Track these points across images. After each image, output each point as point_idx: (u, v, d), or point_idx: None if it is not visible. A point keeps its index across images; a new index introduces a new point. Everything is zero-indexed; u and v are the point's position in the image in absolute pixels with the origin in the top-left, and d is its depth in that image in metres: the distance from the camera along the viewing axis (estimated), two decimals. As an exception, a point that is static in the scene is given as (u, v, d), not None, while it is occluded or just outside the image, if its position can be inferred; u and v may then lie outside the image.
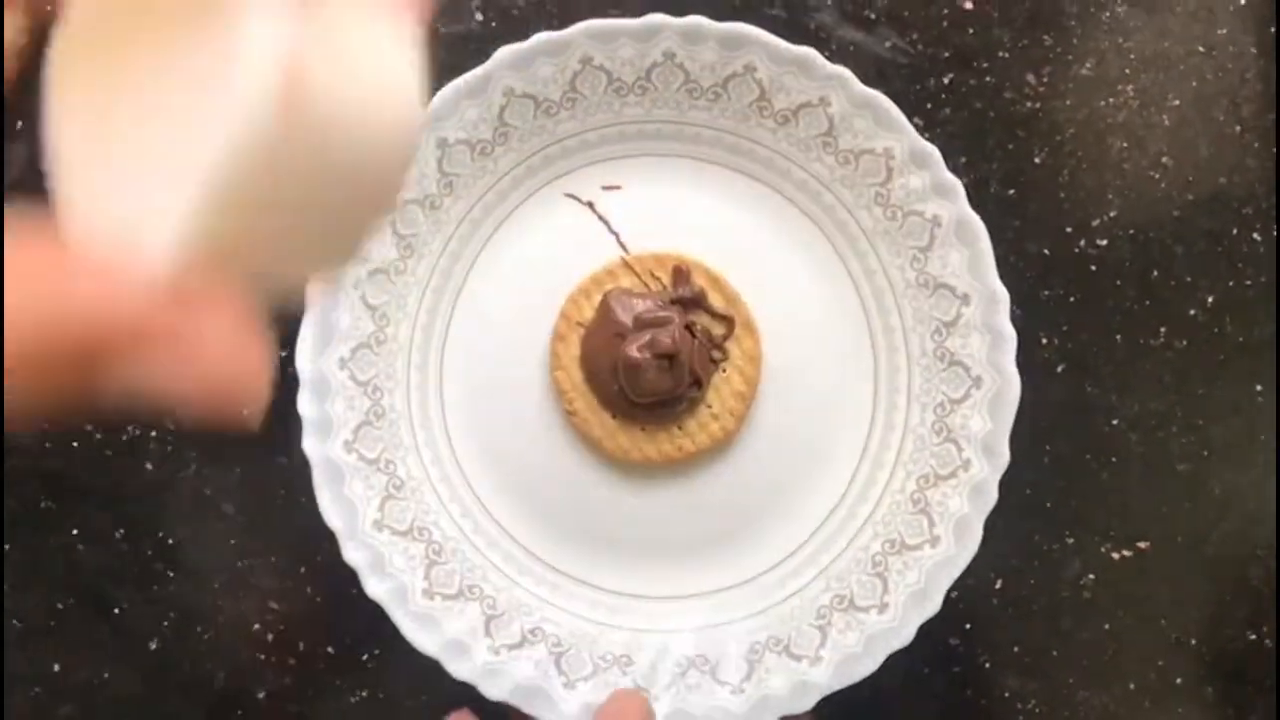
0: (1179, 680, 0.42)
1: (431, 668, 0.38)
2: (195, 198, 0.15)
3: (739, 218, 0.40)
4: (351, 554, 0.38)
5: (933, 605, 0.38)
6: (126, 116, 0.16)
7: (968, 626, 0.42)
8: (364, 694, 0.42)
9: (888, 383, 0.40)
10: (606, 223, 0.41)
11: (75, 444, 0.41)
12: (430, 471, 0.40)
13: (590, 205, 0.41)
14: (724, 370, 0.40)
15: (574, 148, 0.40)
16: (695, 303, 0.39)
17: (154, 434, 0.42)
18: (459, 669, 0.38)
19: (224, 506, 0.42)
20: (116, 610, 0.42)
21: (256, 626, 0.42)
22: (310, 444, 0.38)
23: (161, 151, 0.15)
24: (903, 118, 0.38)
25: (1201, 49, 0.42)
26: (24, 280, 0.15)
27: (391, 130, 0.17)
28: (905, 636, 0.38)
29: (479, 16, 0.42)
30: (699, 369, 0.38)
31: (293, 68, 0.15)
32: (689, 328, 0.39)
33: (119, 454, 0.42)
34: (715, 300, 0.40)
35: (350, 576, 0.38)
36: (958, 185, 0.38)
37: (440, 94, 0.38)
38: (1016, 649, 0.42)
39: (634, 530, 0.40)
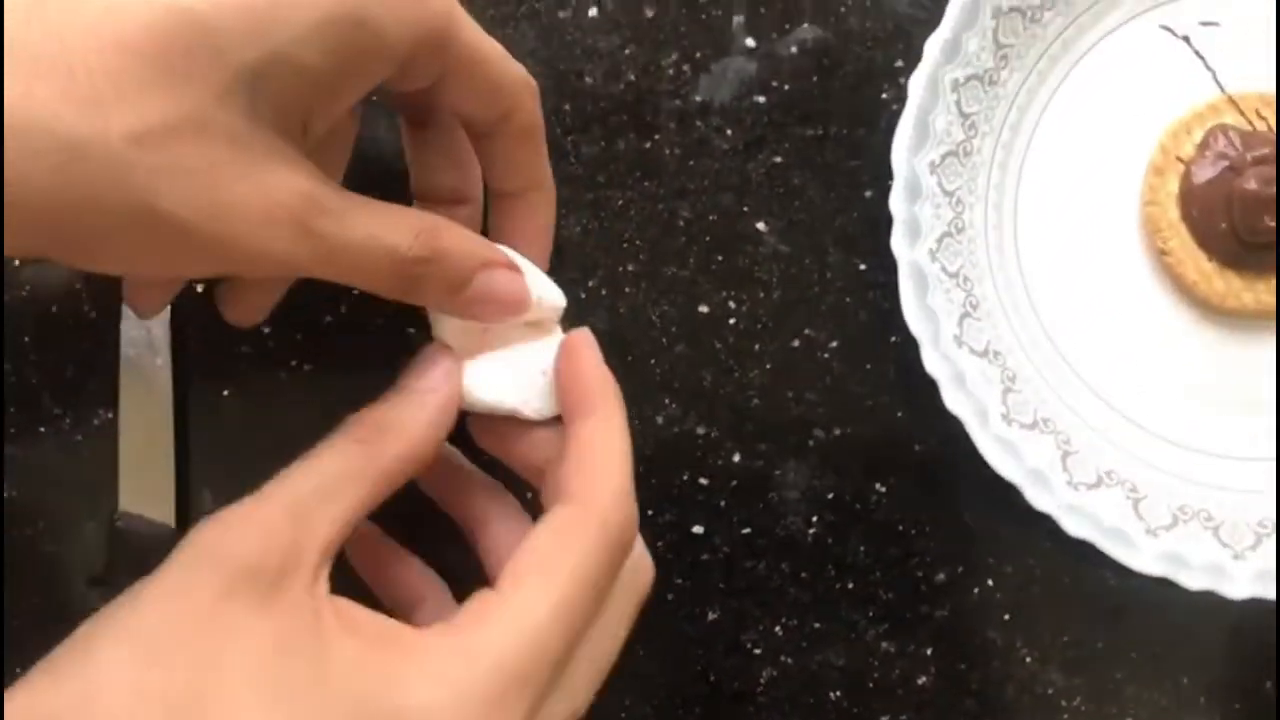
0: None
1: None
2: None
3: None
4: (933, 365, 0.36)
5: None
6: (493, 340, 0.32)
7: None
8: None
9: None
10: (1203, 59, 0.38)
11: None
12: (1003, 297, 0.37)
13: (1186, 39, 0.38)
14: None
15: (1176, -24, 0.38)
16: (1308, 147, 0.37)
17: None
18: (1040, 500, 0.36)
19: None
20: None
21: None
22: (899, 244, 0.36)
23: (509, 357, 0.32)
24: None
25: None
26: None
27: None
28: None
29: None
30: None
31: None
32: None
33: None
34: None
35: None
36: None
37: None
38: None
39: (1221, 383, 0.37)
